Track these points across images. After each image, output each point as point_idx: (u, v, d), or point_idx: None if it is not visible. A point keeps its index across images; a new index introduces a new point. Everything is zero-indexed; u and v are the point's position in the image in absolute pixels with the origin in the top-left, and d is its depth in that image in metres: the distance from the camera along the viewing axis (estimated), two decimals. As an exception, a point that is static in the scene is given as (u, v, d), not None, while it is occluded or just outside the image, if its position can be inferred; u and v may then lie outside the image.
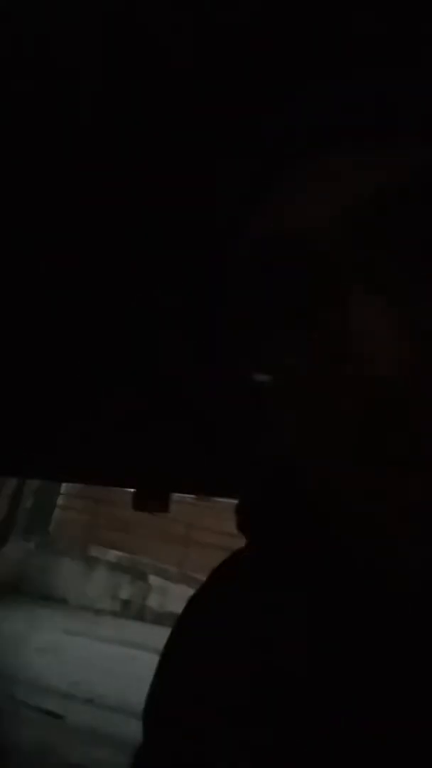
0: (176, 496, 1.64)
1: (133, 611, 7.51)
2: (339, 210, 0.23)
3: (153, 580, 7.69)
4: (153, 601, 7.53)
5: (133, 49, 0.29)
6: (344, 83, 0.24)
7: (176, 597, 7.08)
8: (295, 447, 0.27)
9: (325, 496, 0.26)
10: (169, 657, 0.34)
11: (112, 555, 7.86)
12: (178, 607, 1.55)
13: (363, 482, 0.24)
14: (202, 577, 0.38)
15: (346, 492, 0.24)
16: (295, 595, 0.29)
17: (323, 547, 0.28)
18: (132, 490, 1.57)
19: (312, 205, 0.24)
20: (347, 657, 0.26)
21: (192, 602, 0.36)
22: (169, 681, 0.33)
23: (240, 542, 0.35)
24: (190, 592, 0.38)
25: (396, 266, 0.23)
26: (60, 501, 8.81)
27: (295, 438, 0.26)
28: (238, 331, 0.28)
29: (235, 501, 0.35)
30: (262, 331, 0.26)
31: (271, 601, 0.30)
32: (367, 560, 0.25)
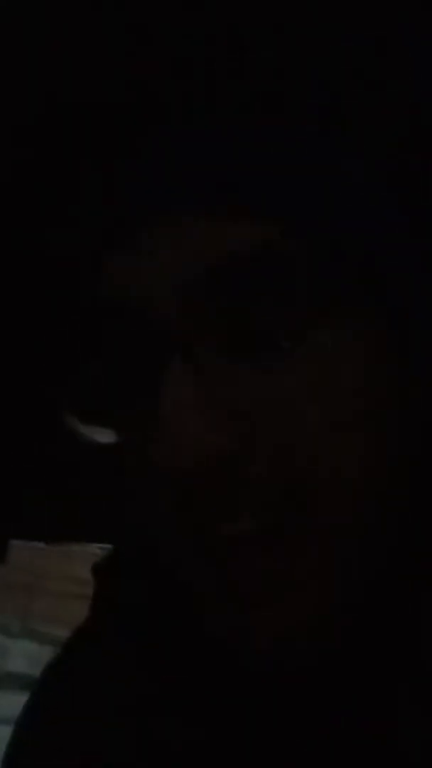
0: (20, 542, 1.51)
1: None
2: (177, 278, 0.21)
3: (-10, 638, 6.96)
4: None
5: None
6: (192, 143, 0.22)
7: (18, 655, 6.48)
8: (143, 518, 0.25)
9: (172, 572, 0.25)
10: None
11: None
12: (19, 666, 1.41)
13: (197, 557, 0.22)
14: (52, 630, 0.34)
15: (188, 570, 0.23)
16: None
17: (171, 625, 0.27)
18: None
19: (150, 270, 0.21)
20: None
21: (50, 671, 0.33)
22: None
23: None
24: (34, 647, 0.34)
25: (217, 344, 0.21)
26: None
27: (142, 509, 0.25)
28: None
29: (90, 546, 0.33)
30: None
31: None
32: (219, 639, 0.24)
